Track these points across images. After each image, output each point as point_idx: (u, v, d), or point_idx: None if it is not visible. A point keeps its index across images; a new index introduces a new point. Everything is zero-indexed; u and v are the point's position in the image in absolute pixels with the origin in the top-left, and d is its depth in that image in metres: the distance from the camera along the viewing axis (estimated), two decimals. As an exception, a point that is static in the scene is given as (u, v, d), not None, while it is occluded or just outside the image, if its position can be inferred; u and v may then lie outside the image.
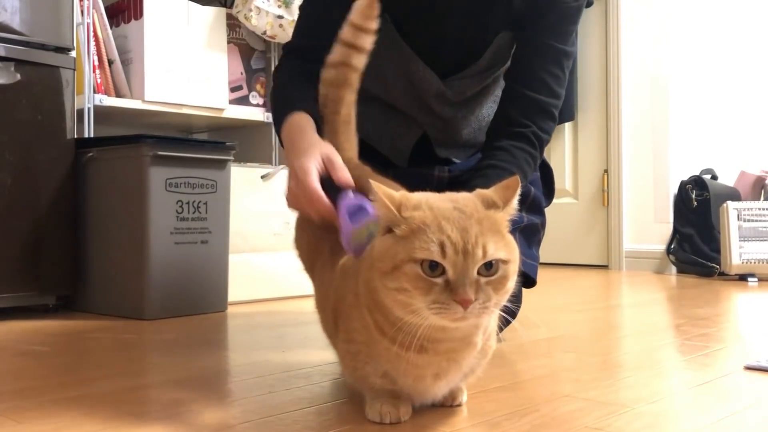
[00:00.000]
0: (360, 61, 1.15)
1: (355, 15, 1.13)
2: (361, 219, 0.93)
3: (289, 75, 1.29)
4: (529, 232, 1.51)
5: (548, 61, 1.33)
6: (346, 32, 1.14)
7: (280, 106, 1.23)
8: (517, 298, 1.51)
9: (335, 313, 0.98)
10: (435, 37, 1.38)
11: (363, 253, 0.91)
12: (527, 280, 1.47)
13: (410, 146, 1.50)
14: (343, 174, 1.01)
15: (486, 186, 0.89)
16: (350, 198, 0.97)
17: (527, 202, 1.50)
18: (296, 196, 1.03)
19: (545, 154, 1.48)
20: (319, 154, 1.03)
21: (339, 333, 0.96)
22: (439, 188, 0.92)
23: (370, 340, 0.89)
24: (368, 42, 1.15)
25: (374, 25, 1.14)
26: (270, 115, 2.73)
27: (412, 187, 0.90)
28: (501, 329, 1.51)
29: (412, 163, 1.51)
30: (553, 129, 1.36)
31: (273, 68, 1.51)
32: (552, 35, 1.33)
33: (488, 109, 1.52)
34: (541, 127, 1.33)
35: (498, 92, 1.52)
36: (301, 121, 1.14)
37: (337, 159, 1.03)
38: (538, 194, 1.56)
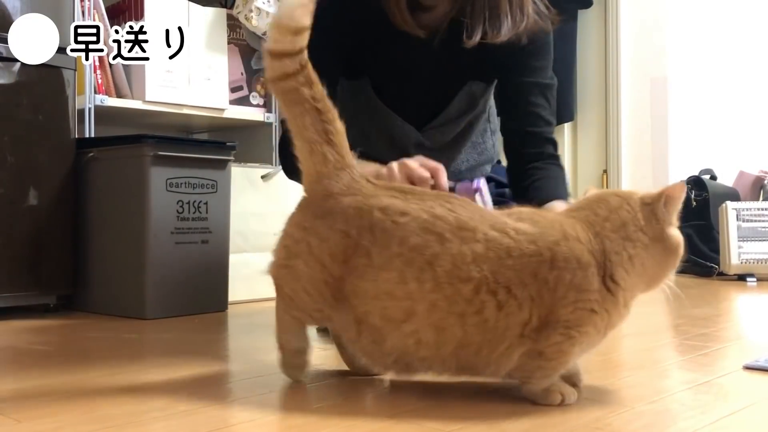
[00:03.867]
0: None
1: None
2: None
3: None
4: None
5: (537, 95, 1.51)
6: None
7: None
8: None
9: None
10: (405, 89, 1.53)
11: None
12: None
13: None
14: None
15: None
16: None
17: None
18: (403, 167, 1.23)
19: None
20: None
21: (554, 332, 0.96)
22: None
23: (608, 311, 0.97)
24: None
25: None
26: (270, 115, 2.74)
27: None
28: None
29: None
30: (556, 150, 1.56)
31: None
32: (533, 74, 1.51)
33: (466, 154, 1.65)
34: (550, 152, 1.53)
35: (474, 138, 1.64)
36: None
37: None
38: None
